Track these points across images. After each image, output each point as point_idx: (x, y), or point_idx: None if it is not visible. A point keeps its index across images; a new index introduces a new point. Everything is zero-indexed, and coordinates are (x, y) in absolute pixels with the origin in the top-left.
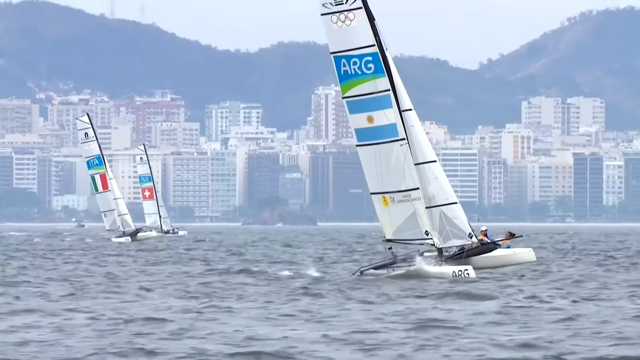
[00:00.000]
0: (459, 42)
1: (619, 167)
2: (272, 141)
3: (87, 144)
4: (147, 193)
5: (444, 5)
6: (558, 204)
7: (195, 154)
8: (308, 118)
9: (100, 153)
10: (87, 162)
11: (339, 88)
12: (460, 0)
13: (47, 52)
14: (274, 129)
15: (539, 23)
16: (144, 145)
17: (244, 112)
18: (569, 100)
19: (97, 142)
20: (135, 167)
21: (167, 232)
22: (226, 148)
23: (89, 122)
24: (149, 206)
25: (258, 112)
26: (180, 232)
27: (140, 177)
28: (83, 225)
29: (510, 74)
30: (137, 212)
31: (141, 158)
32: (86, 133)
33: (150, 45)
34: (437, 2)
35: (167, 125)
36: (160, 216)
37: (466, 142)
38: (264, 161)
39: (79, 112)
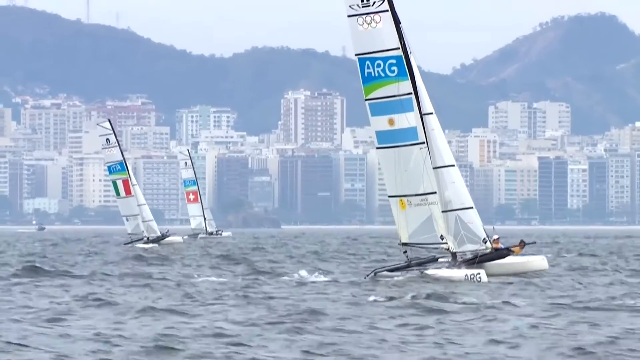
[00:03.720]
0: (434, 47)
1: (584, 170)
2: (242, 145)
3: (109, 149)
4: (191, 196)
5: (419, 10)
6: (523, 207)
7: (165, 157)
8: (279, 122)
9: (122, 159)
10: (109, 167)
11: (308, 92)
12: (435, 6)
13: (24, 57)
14: (244, 133)
15: (513, 28)
16: (188, 150)
17: (214, 117)
18: (535, 105)
19: (120, 147)
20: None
21: (211, 233)
22: (196, 152)
23: (110, 128)
24: (193, 209)
25: (228, 117)
26: (224, 234)
27: (184, 181)
28: (44, 229)
29: (482, 79)
30: (107, 215)
31: (185, 163)
32: (108, 139)
33: (125, 50)
34: (412, 7)
35: (138, 129)
36: (205, 218)
37: None
38: (233, 165)
39: (51, 116)
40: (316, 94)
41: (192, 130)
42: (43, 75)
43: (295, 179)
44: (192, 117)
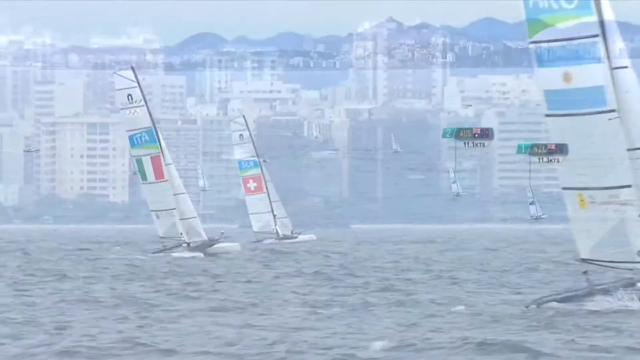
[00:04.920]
0: None
1: None
2: (293, 103)
3: (132, 110)
4: (252, 184)
5: None
6: None
7: (179, 122)
8: (349, 69)
9: (152, 125)
10: (131, 137)
11: (393, 24)
12: None
13: None
14: (297, 86)
15: None
16: (243, 117)
17: (254, 61)
18: None
19: (147, 108)
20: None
21: (285, 237)
22: (226, 113)
23: (134, 78)
24: (256, 203)
25: (273, 61)
26: (302, 237)
27: (239, 163)
28: None
29: None
30: (91, 210)
31: (241, 135)
32: (130, 95)
33: None
34: None
35: (139, 79)
36: (275, 216)
37: None
38: (280, 133)
39: (8, 60)
40: (405, 27)
41: (219, 81)
42: None
43: None
44: (219, 61)
